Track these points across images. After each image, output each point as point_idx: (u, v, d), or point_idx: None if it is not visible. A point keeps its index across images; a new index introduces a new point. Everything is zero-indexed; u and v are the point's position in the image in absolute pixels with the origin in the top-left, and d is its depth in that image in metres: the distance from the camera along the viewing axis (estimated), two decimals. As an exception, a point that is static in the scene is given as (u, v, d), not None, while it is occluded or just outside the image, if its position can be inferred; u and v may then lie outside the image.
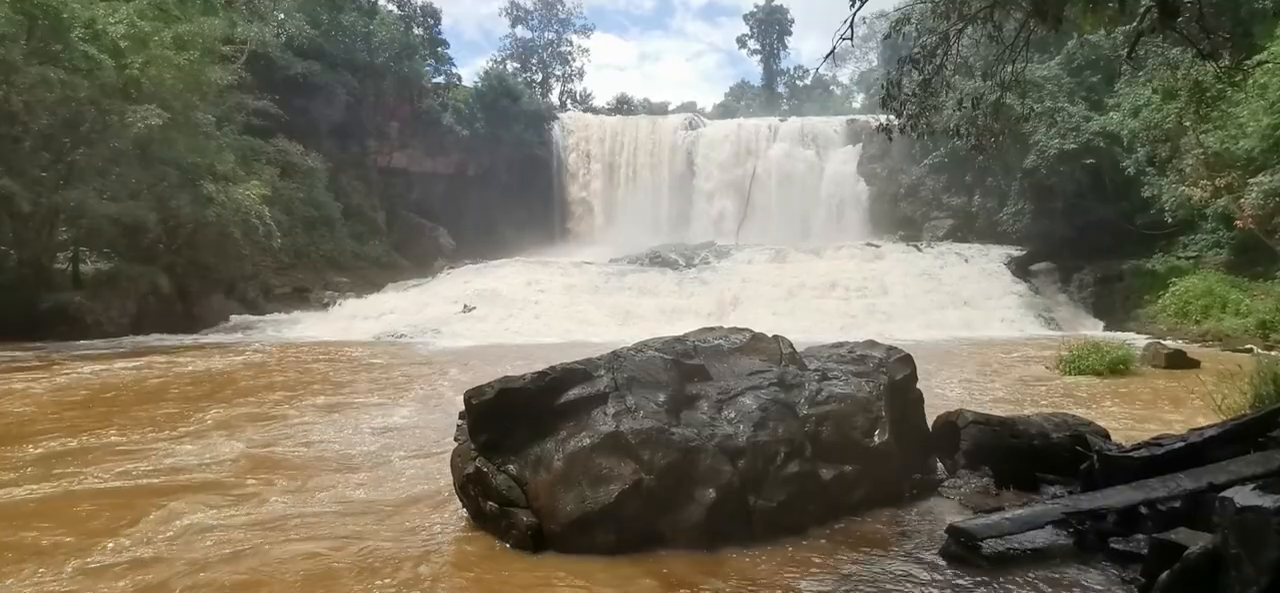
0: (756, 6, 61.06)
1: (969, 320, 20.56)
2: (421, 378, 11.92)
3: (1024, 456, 5.53)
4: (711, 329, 6.09)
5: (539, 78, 50.41)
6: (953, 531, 4.27)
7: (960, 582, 3.95)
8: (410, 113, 35.17)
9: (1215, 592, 3.19)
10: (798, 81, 62.28)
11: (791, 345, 5.89)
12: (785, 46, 62.03)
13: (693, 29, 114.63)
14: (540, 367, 5.02)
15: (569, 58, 52.05)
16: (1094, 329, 19.83)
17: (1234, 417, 5.49)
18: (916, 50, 7.04)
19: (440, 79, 39.88)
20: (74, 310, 17.83)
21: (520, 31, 51.33)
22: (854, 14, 6.52)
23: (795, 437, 4.96)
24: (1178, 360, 12.71)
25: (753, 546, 4.44)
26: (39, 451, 6.92)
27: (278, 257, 23.60)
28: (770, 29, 60.90)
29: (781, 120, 39.21)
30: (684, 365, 5.24)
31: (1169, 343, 14.78)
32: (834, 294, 22.48)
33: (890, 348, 6.01)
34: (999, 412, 6.64)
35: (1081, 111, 23.85)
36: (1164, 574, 3.43)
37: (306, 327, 20.57)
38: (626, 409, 4.70)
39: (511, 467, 4.66)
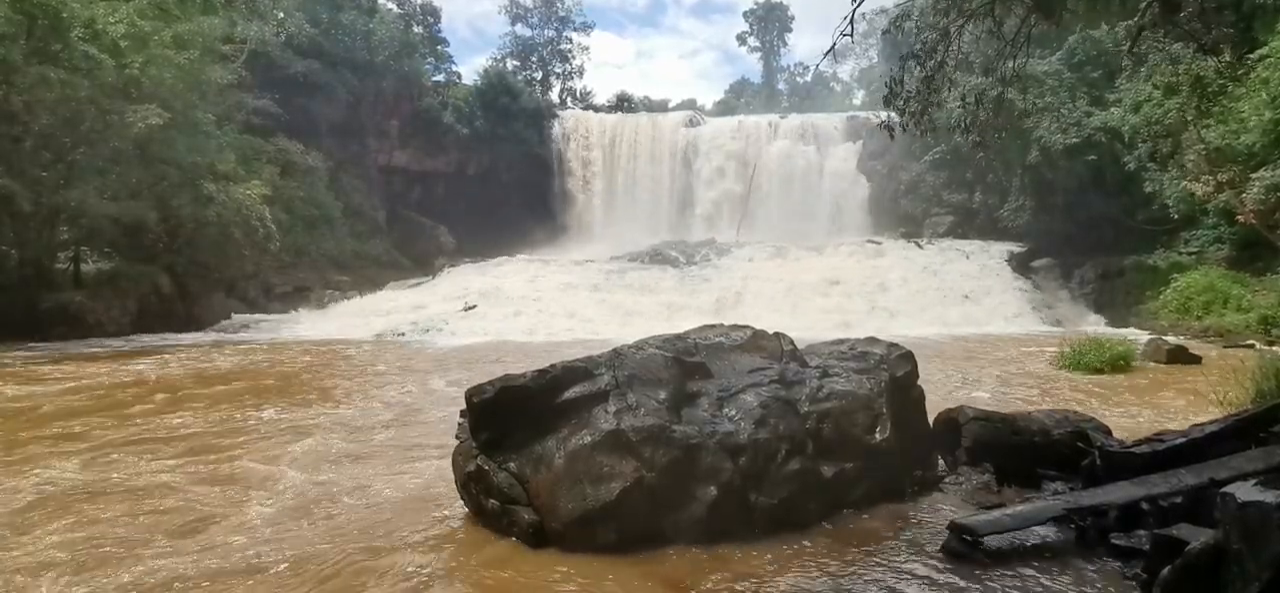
0: (756, 4, 61.03)
1: (970, 317, 20.54)
2: (422, 376, 11.92)
3: (1025, 452, 5.53)
4: (712, 326, 6.08)
5: (539, 76, 50.30)
6: (954, 527, 4.27)
7: (962, 578, 3.94)
8: (410, 111, 35.16)
9: (1217, 588, 3.18)
10: (798, 79, 62.25)
11: (792, 342, 5.89)
12: (785, 43, 62.04)
13: (687, 26, 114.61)
14: (541, 365, 5.02)
15: (569, 56, 51.98)
16: (1095, 325, 19.80)
17: (1235, 412, 5.49)
18: (918, 46, 7.03)
19: (440, 77, 39.89)
20: (75, 310, 17.83)
21: (519, 29, 51.30)
22: (854, 10, 6.51)
23: (796, 434, 4.95)
24: (1179, 356, 12.67)
25: (754, 543, 4.44)
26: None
27: (278, 256, 23.60)
28: (770, 26, 60.87)
29: (782, 118, 39.16)
30: (685, 363, 5.24)
31: (1170, 339, 14.75)
32: (835, 291, 22.45)
33: (891, 345, 6.00)
34: (1000, 408, 6.64)
35: (1083, 107, 23.79)
36: (1166, 570, 3.43)
37: (307, 326, 20.59)
38: (627, 407, 4.70)
39: (512, 465, 4.66)
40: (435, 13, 41.76)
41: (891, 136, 7.50)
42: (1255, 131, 16.45)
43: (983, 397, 9.51)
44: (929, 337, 16.87)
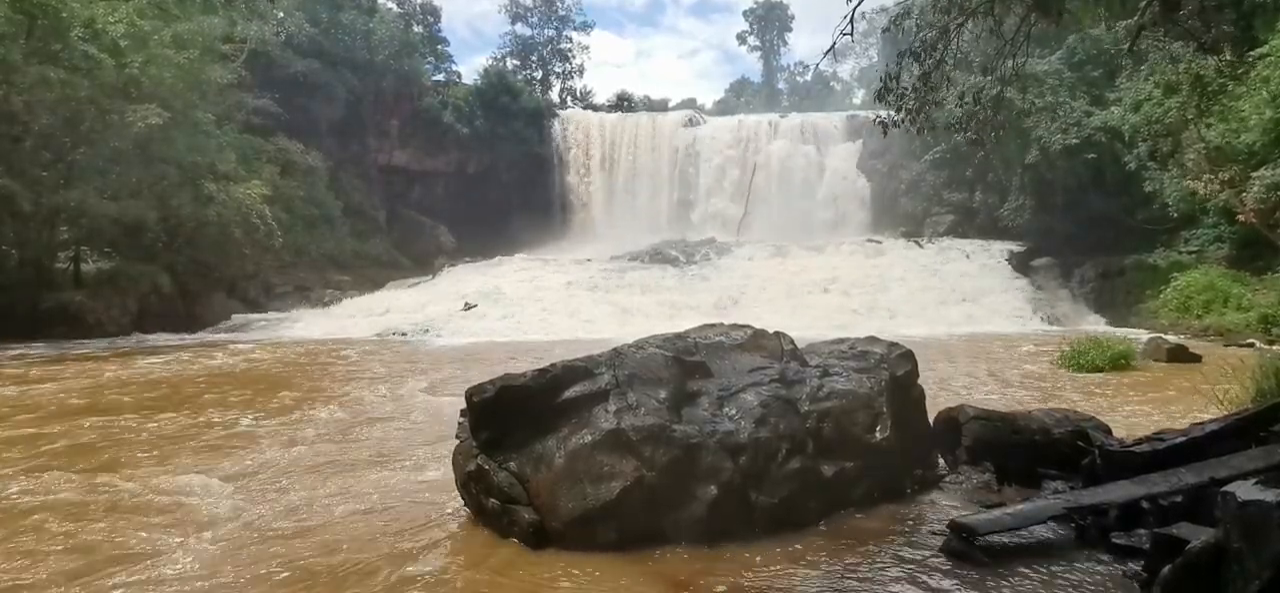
0: (756, 3, 61.05)
1: (970, 316, 20.54)
2: (422, 375, 11.92)
3: (1026, 451, 5.52)
4: (712, 326, 6.08)
5: (539, 75, 50.32)
6: (954, 526, 4.27)
7: (962, 577, 3.94)
8: (410, 111, 35.19)
9: (1217, 587, 3.18)
10: (798, 78, 62.31)
11: (793, 342, 5.88)
12: (785, 43, 62.10)
13: (686, 26, 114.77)
14: (541, 364, 5.02)
15: (569, 55, 51.99)
16: (1095, 325, 19.79)
17: (1236, 411, 5.49)
18: (917, 44, 7.02)
19: (440, 77, 39.94)
20: (75, 310, 17.85)
21: (519, 28, 51.32)
22: (853, 10, 6.51)
23: (797, 433, 4.95)
24: (1179, 355, 12.66)
25: (754, 542, 4.43)
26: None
27: (279, 255, 23.65)
28: (770, 25, 60.90)
29: (782, 117, 39.19)
30: (685, 362, 5.24)
31: (1171, 338, 14.74)
32: (835, 290, 22.47)
33: (891, 344, 5.99)
34: (1001, 407, 6.64)
35: (1083, 106, 23.80)
36: (1166, 569, 3.42)
37: (308, 325, 20.59)
38: (628, 406, 4.69)
39: (513, 464, 4.65)
40: (435, 12, 41.86)
41: (884, 133, 7.49)
42: (1255, 130, 16.45)
43: (983, 396, 9.51)
44: (929, 336, 16.86)
